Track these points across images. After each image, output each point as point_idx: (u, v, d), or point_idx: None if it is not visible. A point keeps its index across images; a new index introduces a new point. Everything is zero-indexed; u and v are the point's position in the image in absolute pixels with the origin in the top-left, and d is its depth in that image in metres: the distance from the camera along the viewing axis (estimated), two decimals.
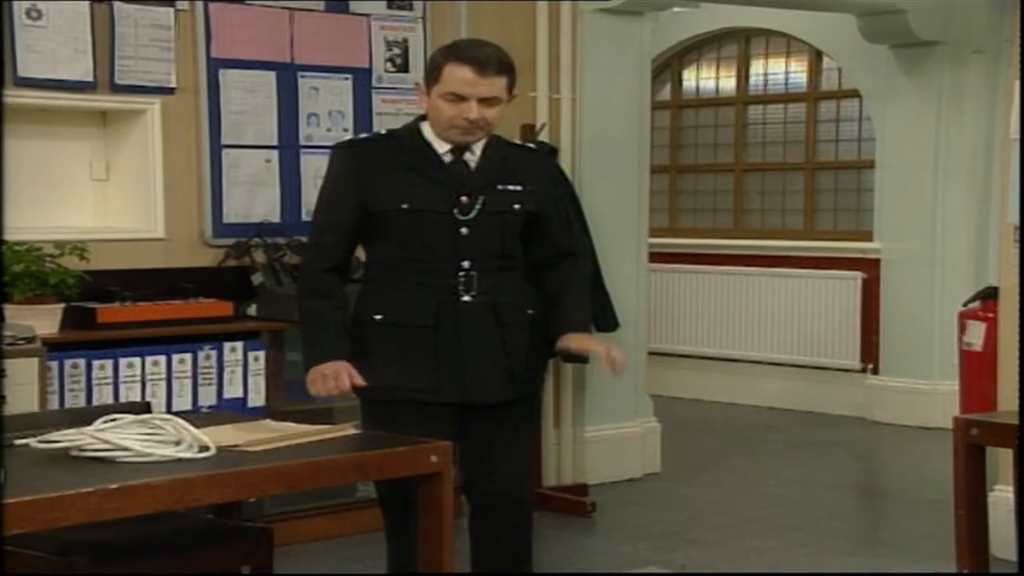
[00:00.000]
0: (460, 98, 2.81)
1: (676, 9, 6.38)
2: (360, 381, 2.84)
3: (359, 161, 2.90)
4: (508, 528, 2.98)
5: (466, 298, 2.85)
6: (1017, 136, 4.06)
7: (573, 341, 2.96)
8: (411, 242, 2.85)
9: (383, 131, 3.00)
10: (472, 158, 2.89)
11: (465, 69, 2.80)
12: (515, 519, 3.00)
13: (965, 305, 5.61)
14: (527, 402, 3.00)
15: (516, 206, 2.90)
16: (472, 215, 2.85)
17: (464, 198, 2.85)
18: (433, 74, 2.85)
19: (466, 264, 2.85)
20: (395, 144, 2.92)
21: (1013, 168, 4.12)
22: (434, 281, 2.85)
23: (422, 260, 2.85)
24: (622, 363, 2.91)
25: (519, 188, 2.90)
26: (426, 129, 2.89)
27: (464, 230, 2.85)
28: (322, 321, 2.90)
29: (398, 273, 2.88)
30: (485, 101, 2.82)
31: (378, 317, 2.89)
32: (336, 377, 2.83)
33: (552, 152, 4.79)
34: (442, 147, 2.88)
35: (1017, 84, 4.04)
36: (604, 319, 4.97)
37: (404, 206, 2.83)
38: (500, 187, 2.88)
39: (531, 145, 3.09)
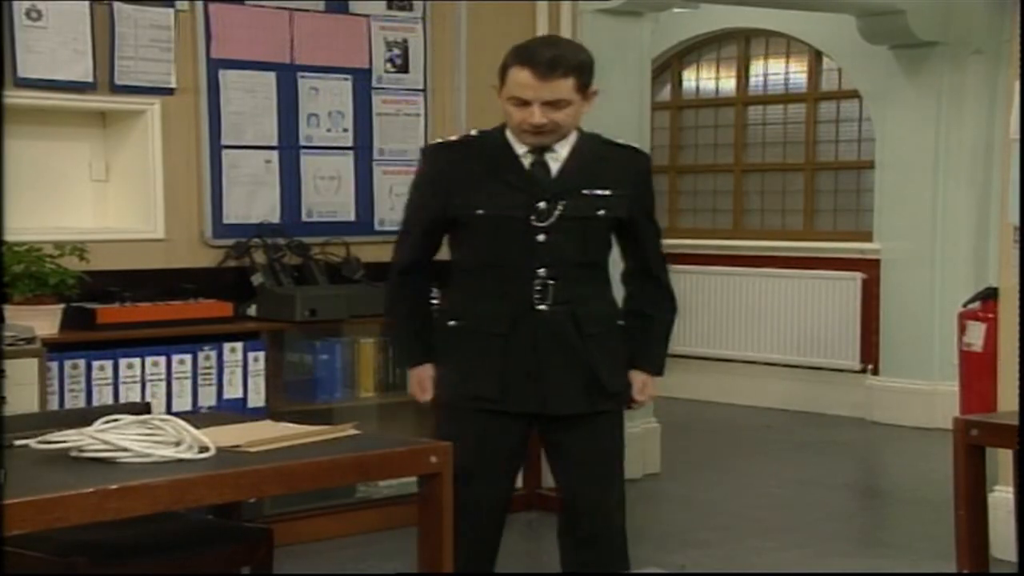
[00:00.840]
0: (524, 102, 2.72)
1: (676, 10, 6.38)
2: (428, 396, 2.87)
3: (443, 164, 2.83)
4: (593, 547, 2.89)
5: (542, 307, 2.77)
6: (1017, 136, 4.06)
7: (636, 387, 2.92)
8: (487, 248, 2.78)
9: (474, 131, 2.91)
10: (555, 160, 2.79)
11: (525, 72, 2.71)
12: (602, 540, 2.90)
13: (965, 306, 5.62)
14: (612, 415, 2.90)
15: (601, 212, 2.78)
16: (550, 221, 2.75)
17: (542, 204, 2.75)
18: (501, 76, 2.78)
19: (542, 272, 2.76)
20: (480, 146, 2.83)
21: (1013, 168, 4.13)
22: (509, 289, 2.77)
23: (498, 267, 2.78)
24: (640, 403, 2.93)
25: (607, 192, 2.79)
26: (510, 135, 2.80)
27: (541, 237, 2.75)
28: (400, 323, 2.93)
29: (475, 280, 2.82)
30: (550, 104, 2.71)
31: (452, 323, 2.85)
32: (420, 385, 2.89)
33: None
34: (521, 148, 2.79)
35: (1017, 84, 4.04)
36: None
37: (480, 211, 2.75)
38: (585, 191, 2.78)
39: (633, 145, 2.94)
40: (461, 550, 2.71)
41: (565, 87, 2.72)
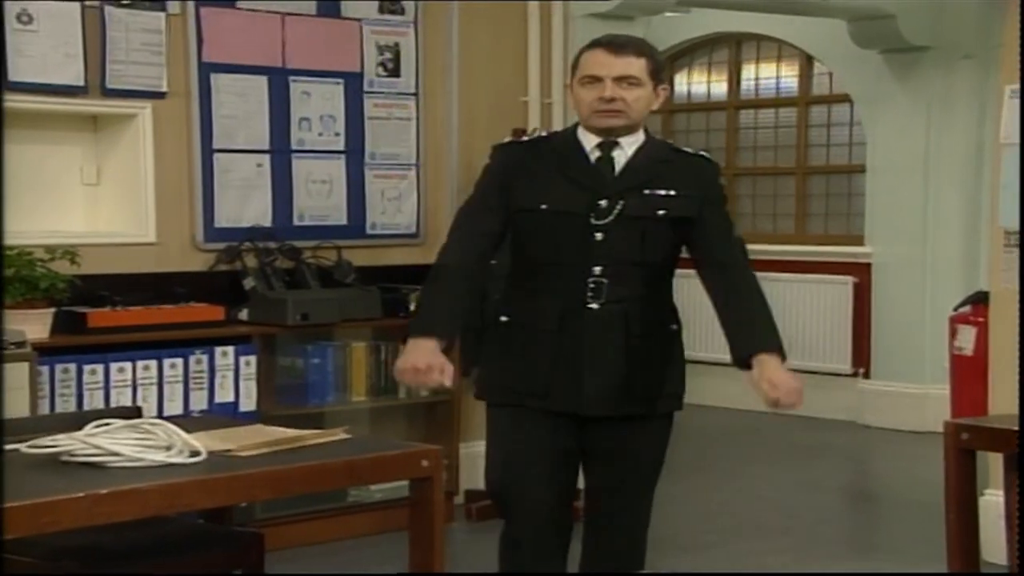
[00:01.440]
0: (595, 79, 2.71)
1: (668, 14, 6.39)
2: (448, 382, 2.66)
3: (511, 159, 2.81)
4: (613, 555, 2.86)
5: (593, 305, 2.72)
6: (1011, 141, 4.07)
7: (766, 378, 2.76)
8: (545, 244, 2.74)
9: (544, 132, 2.91)
10: (622, 156, 2.76)
11: (598, 51, 2.73)
12: (622, 550, 2.85)
13: (956, 310, 5.63)
14: (657, 421, 2.84)
15: (661, 212, 2.74)
16: (608, 219, 2.71)
17: (603, 202, 2.72)
18: (574, 67, 2.79)
19: (597, 270, 2.72)
20: (548, 144, 2.82)
21: (1004, 172, 4.14)
22: (563, 286, 2.73)
23: (554, 264, 2.74)
24: (785, 404, 2.76)
25: (671, 193, 2.75)
26: (581, 131, 2.79)
27: (599, 235, 2.71)
28: (439, 285, 2.75)
29: (530, 276, 2.78)
30: (621, 81, 2.70)
31: (504, 319, 2.81)
32: (428, 372, 2.63)
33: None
34: (590, 143, 2.76)
35: (1017, 88, 4.05)
36: None
37: (542, 206, 2.72)
38: (647, 191, 2.74)
39: (703, 153, 2.91)
40: (520, 555, 2.73)
41: (637, 65, 2.73)
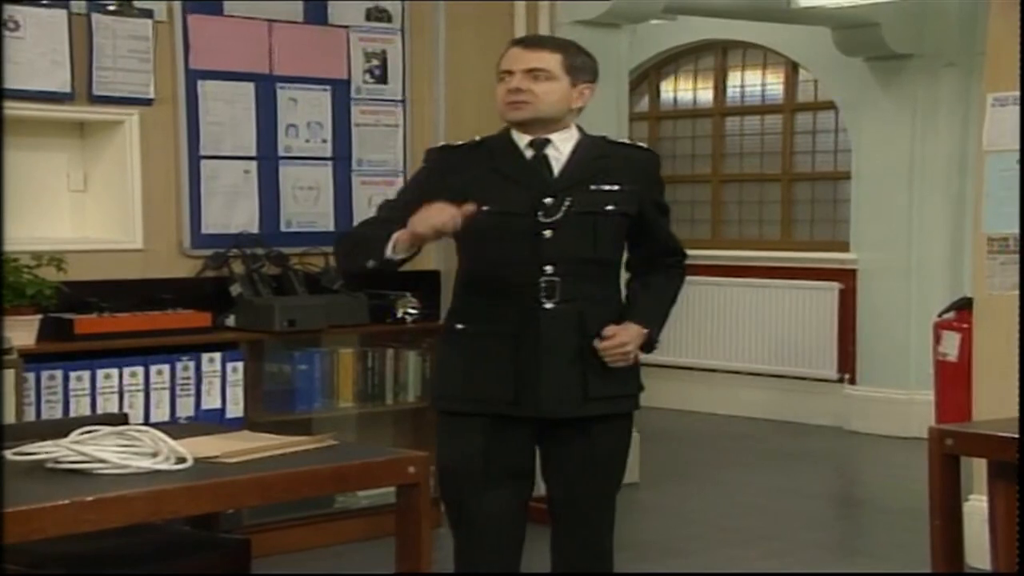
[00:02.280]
0: (509, 73, 2.72)
1: (654, 21, 6.42)
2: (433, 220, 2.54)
3: (445, 163, 2.79)
4: (583, 561, 2.84)
5: (548, 305, 2.69)
6: (1000, 148, 4.10)
7: (612, 329, 2.70)
8: (493, 247, 2.71)
9: (477, 137, 2.87)
10: (557, 154, 2.74)
11: (514, 48, 2.78)
12: (591, 556, 2.84)
13: (940, 315, 5.65)
14: (617, 421, 2.80)
15: (609, 207, 2.72)
16: (557, 217, 2.69)
17: (548, 200, 2.69)
18: (498, 68, 2.80)
19: (549, 269, 2.68)
20: (483, 147, 2.79)
21: (987, 179, 4.17)
22: (515, 288, 2.69)
23: (504, 266, 2.71)
24: (613, 354, 2.70)
25: (615, 187, 2.73)
26: (513, 130, 2.77)
27: (548, 233, 2.69)
28: (363, 235, 2.71)
29: (482, 281, 2.75)
30: (531, 73, 2.69)
31: (460, 327, 2.77)
32: (440, 212, 2.54)
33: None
34: (523, 142, 2.74)
35: (1000, 96, 4.08)
36: None
37: (485, 208, 2.66)
38: (592, 187, 2.72)
39: (640, 144, 2.90)
40: (475, 567, 2.70)
41: (549, 59, 2.72)
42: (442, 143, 2.96)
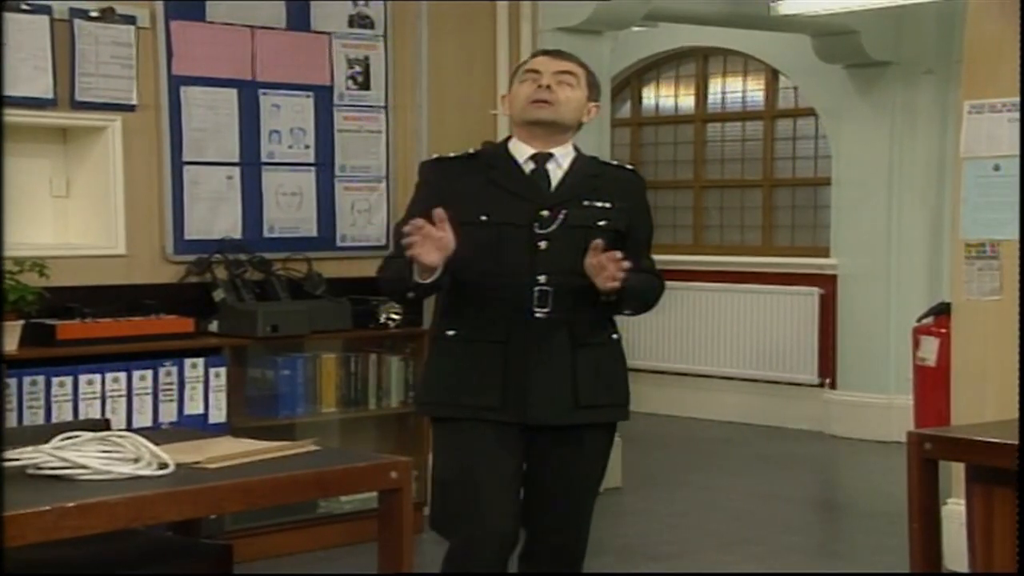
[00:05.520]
0: (535, 72, 2.81)
1: (635, 28, 6.45)
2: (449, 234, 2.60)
3: (443, 175, 2.84)
4: (554, 564, 2.85)
5: (539, 314, 2.73)
6: (974, 155, 4.14)
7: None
8: (488, 256, 2.74)
9: (471, 149, 2.92)
10: (556, 169, 2.82)
11: (540, 56, 2.89)
12: (562, 563, 2.84)
13: (919, 321, 5.70)
14: (601, 430, 2.84)
15: (601, 222, 2.78)
16: (552, 229, 2.75)
17: (545, 212, 2.76)
18: (514, 75, 2.90)
19: (542, 279, 2.73)
20: (479, 158, 2.86)
21: (965, 185, 4.20)
22: (508, 296, 2.74)
23: (498, 275, 2.75)
24: (604, 270, 2.66)
25: (607, 205, 2.81)
26: (512, 144, 2.84)
27: (543, 244, 2.75)
28: (395, 267, 2.76)
29: (474, 288, 2.77)
30: (561, 76, 2.80)
31: (450, 333, 2.81)
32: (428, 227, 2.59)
33: None
34: (523, 155, 2.81)
35: (976, 103, 4.12)
36: None
37: (483, 218, 2.74)
38: (586, 202, 2.79)
39: (628, 166, 3.01)
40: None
41: (576, 70, 2.84)
42: (436, 155, 2.98)
